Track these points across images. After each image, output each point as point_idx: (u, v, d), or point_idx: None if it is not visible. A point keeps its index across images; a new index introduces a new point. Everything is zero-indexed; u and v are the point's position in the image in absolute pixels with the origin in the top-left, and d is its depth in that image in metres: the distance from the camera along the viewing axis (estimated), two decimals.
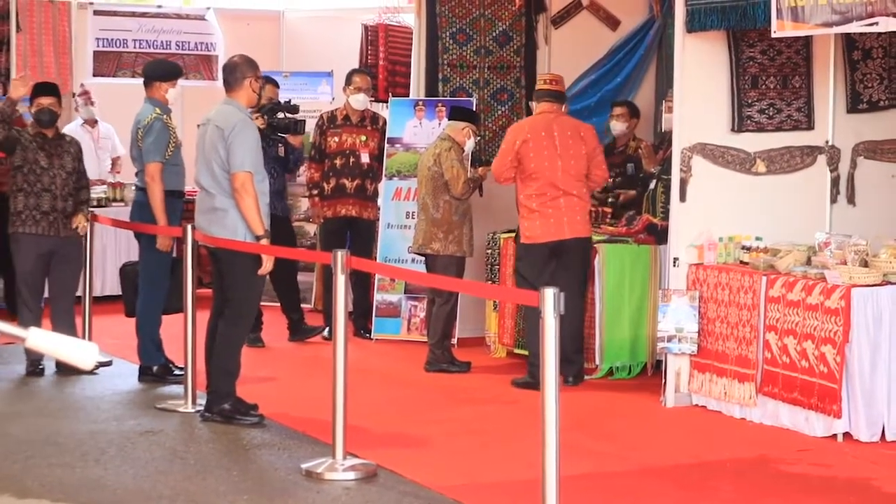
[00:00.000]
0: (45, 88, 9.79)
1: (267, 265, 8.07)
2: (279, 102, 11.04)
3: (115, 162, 13.43)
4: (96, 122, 13.52)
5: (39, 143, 9.56)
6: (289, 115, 10.89)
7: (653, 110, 11.42)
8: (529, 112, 9.85)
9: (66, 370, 9.44)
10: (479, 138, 10.57)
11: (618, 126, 10.71)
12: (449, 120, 10.28)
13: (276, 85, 11.55)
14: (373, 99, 13.02)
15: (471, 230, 10.04)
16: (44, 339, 3.71)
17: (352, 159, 11.15)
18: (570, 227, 9.28)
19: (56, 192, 9.57)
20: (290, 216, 11.61)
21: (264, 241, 8.05)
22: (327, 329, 11.14)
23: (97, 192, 12.49)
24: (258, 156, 8.15)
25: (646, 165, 10.31)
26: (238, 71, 8.25)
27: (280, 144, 10.93)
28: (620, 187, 10.53)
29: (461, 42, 11.54)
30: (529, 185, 9.33)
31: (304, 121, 11.06)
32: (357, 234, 11.21)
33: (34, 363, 9.60)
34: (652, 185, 10.14)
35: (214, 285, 8.39)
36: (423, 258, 10.14)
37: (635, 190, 10.43)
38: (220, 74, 14.01)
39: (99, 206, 12.63)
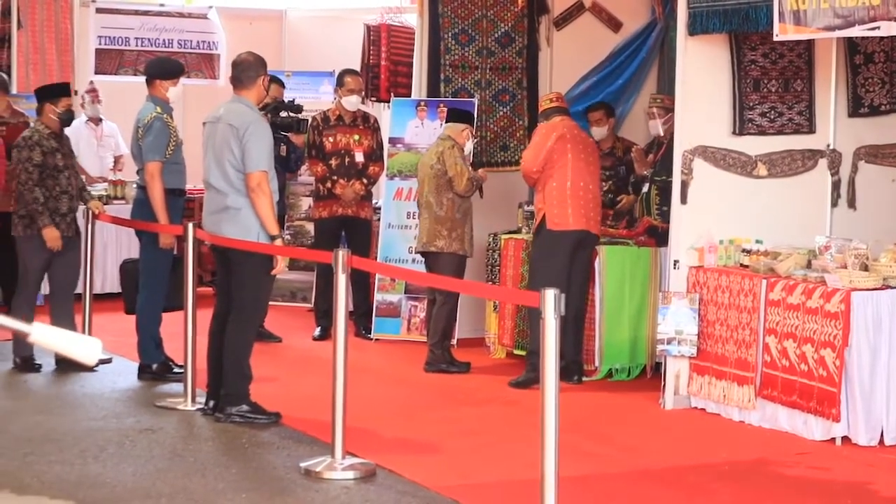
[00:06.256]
0: (67, 89, 9.90)
1: (280, 265, 8.07)
2: (283, 101, 11.05)
3: (117, 160, 13.43)
4: (100, 120, 13.52)
5: (55, 146, 9.57)
6: (292, 114, 10.91)
7: None
8: (532, 113, 9.85)
9: (65, 367, 9.45)
10: (477, 140, 10.59)
11: (598, 132, 10.62)
12: (447, 122, 10.29)
13: (282, 85, 11.58)
14: (374, 99, 13.04)
15: (471, 230, 10.04)
16: (48, 335, 3.70)
17: (347, 159, 11.11)
18: (594, 222, 9.47)
19: (72, 193, 9.63)
20: (285, 214, 11.61)
21: (278, 242, 8.05)
22: (319, 329, 11.18)
23: (98, 189, 12.51)
24: (272, 156, 8.16)
25: (637, 169, 10.29)
26: (252, 69, 8.24)
27: (282, 143, 10.94)
28: (615, 191, 10.54)
29: (463, 43, 11.53)
30: (564, 174, 9.38)
31: (307, 120, 11.07)
32: (354, 234, 11.16)
33: (25, 360, 9.59)
34: (645, 189, 10.15)
35: (219, 285, 8.36)
36: (423, 259, 10.14)
37: (630, 194, 10.44)
38: (221, 73, 14.18)
39: None
